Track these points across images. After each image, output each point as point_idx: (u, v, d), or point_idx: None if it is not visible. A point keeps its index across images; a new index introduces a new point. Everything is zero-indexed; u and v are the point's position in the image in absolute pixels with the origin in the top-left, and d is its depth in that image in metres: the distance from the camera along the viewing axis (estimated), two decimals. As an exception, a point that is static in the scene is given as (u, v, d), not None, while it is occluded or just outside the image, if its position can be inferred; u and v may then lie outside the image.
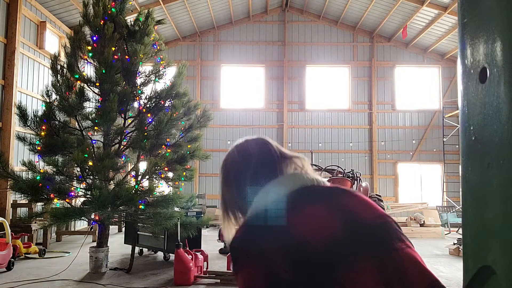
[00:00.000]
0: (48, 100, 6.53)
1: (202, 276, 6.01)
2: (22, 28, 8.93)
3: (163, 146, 6.76)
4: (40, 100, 8.98)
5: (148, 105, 6.92)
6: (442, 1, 12.13)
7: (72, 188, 6.40)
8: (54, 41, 10.69)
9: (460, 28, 0.57)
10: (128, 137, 6.92)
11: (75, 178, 6.51)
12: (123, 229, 9.11)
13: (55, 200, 6.27)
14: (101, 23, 6.70)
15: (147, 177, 6.61)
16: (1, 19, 8.43)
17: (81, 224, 10.85)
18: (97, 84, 6.66)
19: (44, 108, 6.50)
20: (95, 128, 6.54)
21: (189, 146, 7.13)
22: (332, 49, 15.50)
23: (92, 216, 6.52)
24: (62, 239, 9.79)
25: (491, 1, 0.50)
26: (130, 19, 7.40)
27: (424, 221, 11.37)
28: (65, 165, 6.38)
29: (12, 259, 6.58)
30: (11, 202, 8.37)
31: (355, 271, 0.77)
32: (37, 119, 6.43)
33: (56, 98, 6.59)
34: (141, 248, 8.04)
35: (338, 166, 8.27)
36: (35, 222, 8.04)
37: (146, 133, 6.49)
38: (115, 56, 6.55)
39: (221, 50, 15.52)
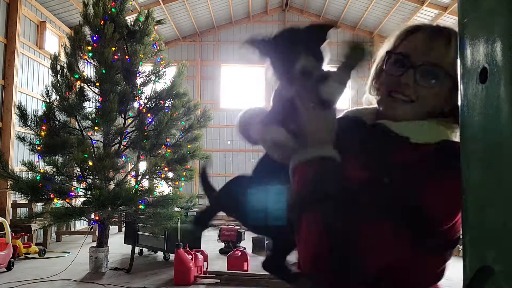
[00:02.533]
0: (48, 100, 6.53)
1: (202, 276, 6.01)
2: (22, 28, 8.92)
3: (163, 146, 6.76)
4: (40, 100, 8.97)
5: (148, 105, 6.92)
6: (442, 1, 12.13)
7: (72, 188, 6.40)
8: (54, 41, 10.69)
9: (460, 28, 0.57)
10: (128, 137, 6.93)
11: (75, 178, 6.51)
12: (123, 229, 9.11)
13: (55, 200, 6.27)
14: (101, 23, 6.69)
15: (147, 177, 6.61)
16: (1, 19, 8.43)
17: (81, 224, 10.85)
18: (97, 84, 6.66)
19: (44, 108, 6.50)
20: (95, 128, 6.53)
21: (189, 146, 7.13)
22: (332, 49, 15.49)
23: (92, 216, 6.52)
24: (62, 239, 9.79)
25: (491, 1, 0.50)
26: (130, 19, 7.40)
27: (424, 221, 11.36)
28: (65, 165, 6.38)
29: (12, 259, 6.57)
30: (11, 202, 8.37)
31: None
32: (37, 119, 6.43)
33: (56, 98, 6.59)
34: (141, 248, 8.04)
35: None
36: (35, 222, 8.04)
37: (146, 133, 6.49)
38: (115, 56, 6.55)
39: (221, 50, 15.52)
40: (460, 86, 0.56)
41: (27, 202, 7.81)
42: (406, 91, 0.96)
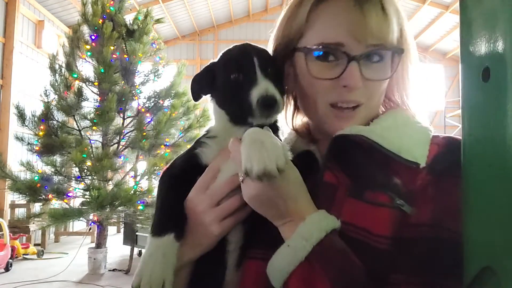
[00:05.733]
0: (46, 100, 6.50)
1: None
2: (20, 27, 8.88)
3: (162, 146, 6.72)
4: (38, 100, 8.94)
5: (147, 105, 6.88)
6: (444, 0, 12.08)
7: (71, 189, 6.37)
8: (53, 40, 10.63)
9: (462, 27, 0.56)
10: (127, 137, 6.89)
11: (73, 179, 6.47)
12: (122, 230, 9.07)
13: (54, 200, 6.24)
14: (100, 22, 6.65)
15: (146, 177, 6.57)
16: (-1, 18, 8.39)
17: (79, 225, 10.81)
18: (96, 83, 6.62)
19: (42, 107, 6.47)
20: (94, 128, 6.50)
21: (188, 146, 7.07)
22: (333, 48, 15.48)
23: (91, 217, 6.48)
24: (60, 240, 9.76)
25: (494, 0, 0.50)
26: (129, 18, 7.35)
27: (425, 221, 11.34)
28: (63, 165, 6.36)
29: (10, 260, 6.54)
30: (9, 202, 8.34)
31: None
32: (35, 119, 6.40)
33: (54, 98, 6.56)
34: (140, 249, 8.00)
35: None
36: (33, 223, 7.99)
37: (145, 133, 6.45)
38: (114, 55, 6.51)
39: (220, 49, 15.43)
40: (461, 85, 0.55)
41: (25, 202, 7.77)
42: (355, 96, 0.71)
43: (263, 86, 0.73)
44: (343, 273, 0.62)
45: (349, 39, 0.69)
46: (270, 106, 0.73)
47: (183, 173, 0.83)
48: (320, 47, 0.72)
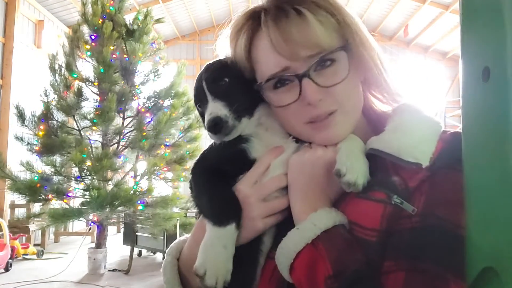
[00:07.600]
0: (46, 100, 6.50)
1: (201, 277, 5.96)
2: (20, 27, 8.87)
3: (162, 146, 6.72)
4: (38, 100, 8.93)
5: (147, 105, 6.88)
6: (444, 0, 12.07)
7: (70, 189, 6.36)
8: (52, 40, 10.63)
9: (462, 27, 0.56)
10: (127, 137, 6.89)
11: (73, 179, 6.46)
12: (122, 230, 9.07)
13: (53, 200, 6.23)
14: (100, 22, 6.65)
15: (146, 177, 6.56)
16: (-1, 18, 8.38)
17: (79, 225, 10.81)
18: (96, 83, 6.62)
19: (42, 107, 6.47)
20: (94, 128, 6.50)
21: (188, 146, 7.08)
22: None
23: (91, 217, 6.48)
24: (60, 240, 9.76)
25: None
26: (129, 18, 7.35)
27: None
28: (63, 165, 6.35)
29: (10, 260, 6.53)
30: (9, 202, 8.33)
31: None
32: (35, 119, 6.40)
33: (54, 98, 6.56)
34: (140, 249, 8.00)
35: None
36: (33, 223, 8.00)
37: (145, 133, 6.45)
38: (114, 55, 6.51)
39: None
40: (461, 85, 0.55)
41: (25, 202, 7.76)
42: (323, 108, 0.73)
43: (208, 111, 0.76)
44: (344, 257, 0.65)
45: (288, 61, 0.72)
46: (214, 127, 0.75)
47: (224, 166, 0.84)
48: (270, 79, 0.75)
